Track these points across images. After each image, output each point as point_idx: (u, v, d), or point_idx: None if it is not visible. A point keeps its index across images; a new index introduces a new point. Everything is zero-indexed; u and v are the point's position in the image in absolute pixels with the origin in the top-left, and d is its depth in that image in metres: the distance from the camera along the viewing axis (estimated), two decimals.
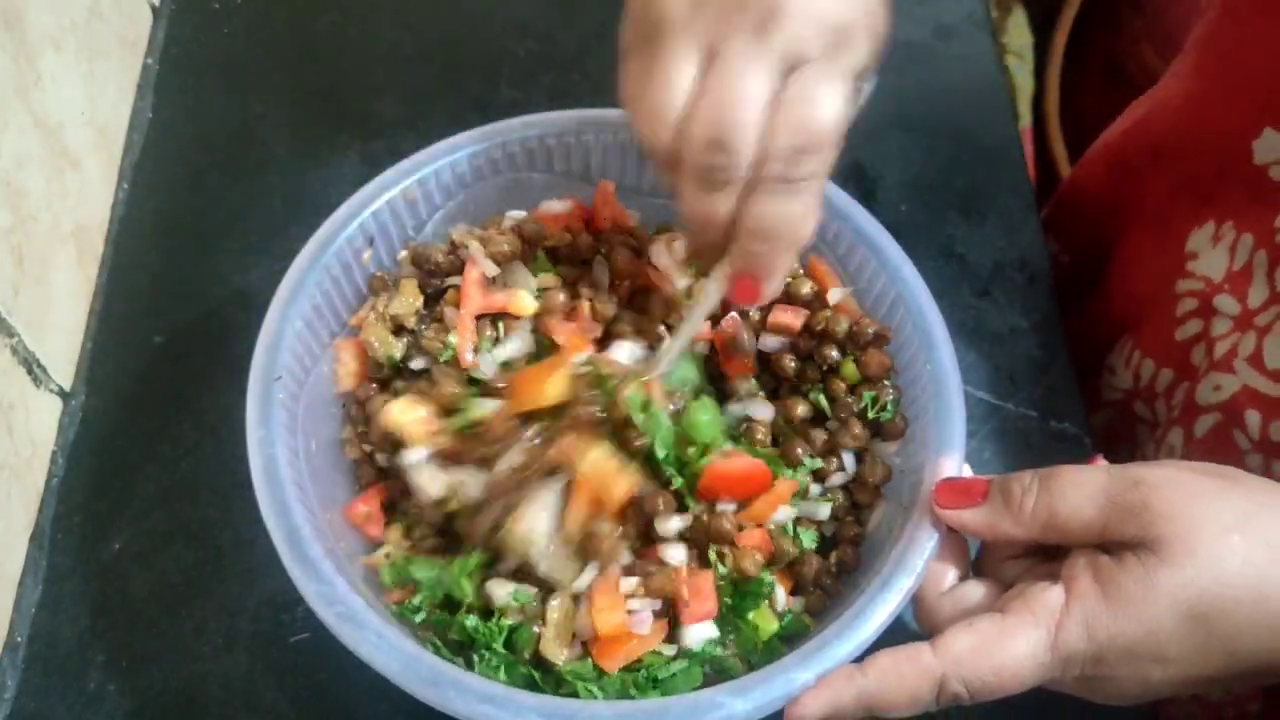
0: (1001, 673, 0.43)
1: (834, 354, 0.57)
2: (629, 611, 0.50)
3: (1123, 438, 0.71)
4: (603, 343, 0.56)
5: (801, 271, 0.59)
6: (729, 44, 0.43)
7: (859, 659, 0.45)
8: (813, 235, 0.47)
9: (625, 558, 0.52)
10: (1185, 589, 0.42)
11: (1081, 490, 0.45)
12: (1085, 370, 0.73)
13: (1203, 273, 0.63)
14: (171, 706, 0.56)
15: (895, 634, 0.46)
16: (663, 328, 0.57)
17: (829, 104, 0.43)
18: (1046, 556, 0.48)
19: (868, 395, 0.55)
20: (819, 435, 0.56)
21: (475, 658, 0.50)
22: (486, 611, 0.51)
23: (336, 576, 0.47)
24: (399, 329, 0.57)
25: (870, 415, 0.55)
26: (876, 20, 0.46)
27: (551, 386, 0.52)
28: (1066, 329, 0.71)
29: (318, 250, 0.56)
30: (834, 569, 0.54)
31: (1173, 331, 0.65)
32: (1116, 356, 0.71)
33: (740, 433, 0.56)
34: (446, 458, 0.53)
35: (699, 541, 0.52)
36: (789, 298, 0.58)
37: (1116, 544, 0.44)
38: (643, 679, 0.50)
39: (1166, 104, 0.69)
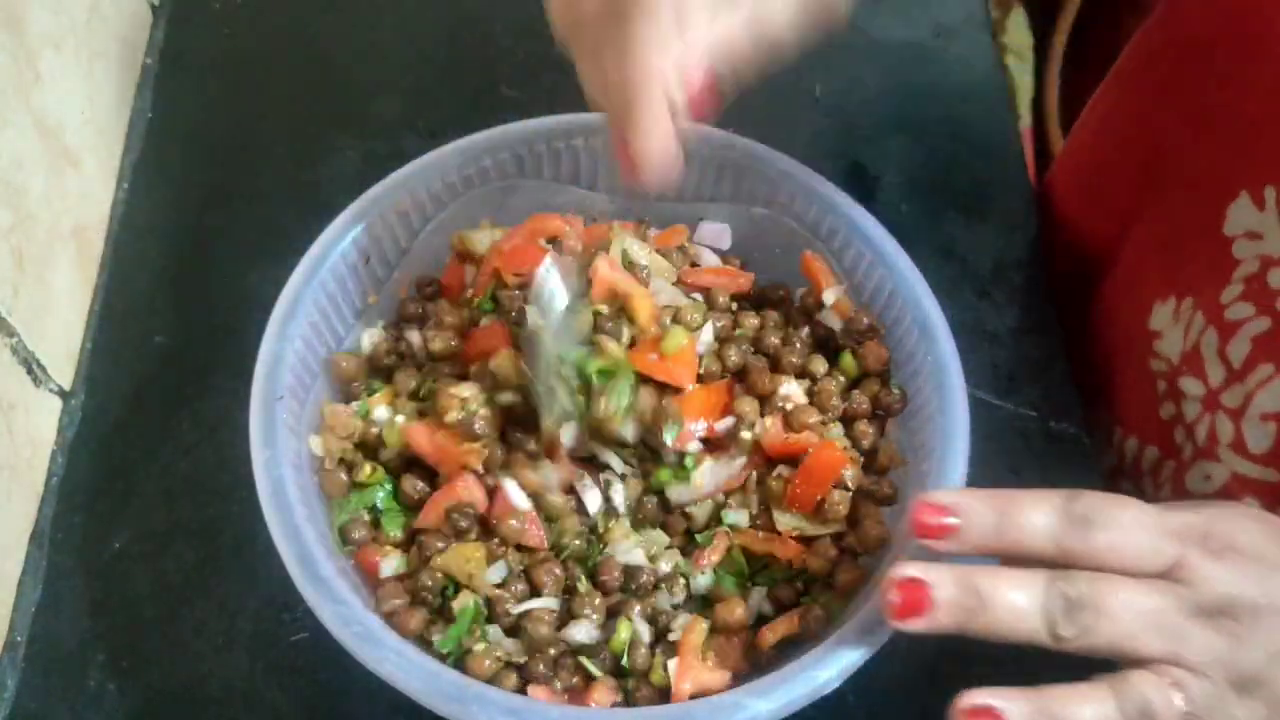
0: None
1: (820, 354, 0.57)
2: None
3: None
4: None
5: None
6: None
7: (870, 660, 0.45)
8: None
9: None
10: None
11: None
12: None
13: (1165, 353, 0.61)
14: (171, 706, 0.56)
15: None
16: None
17: None
18: None
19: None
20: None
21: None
22: None
23: (351, 595, 0.46)
24: None
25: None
26: None
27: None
28: None
29: (312, 268, 0.56)
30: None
31: (1156, 409, 0.62)
32: (1093, 430, 0.67)
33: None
34: None
35: None
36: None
37: None
38: None
39: (1151, 140, 0.63)
